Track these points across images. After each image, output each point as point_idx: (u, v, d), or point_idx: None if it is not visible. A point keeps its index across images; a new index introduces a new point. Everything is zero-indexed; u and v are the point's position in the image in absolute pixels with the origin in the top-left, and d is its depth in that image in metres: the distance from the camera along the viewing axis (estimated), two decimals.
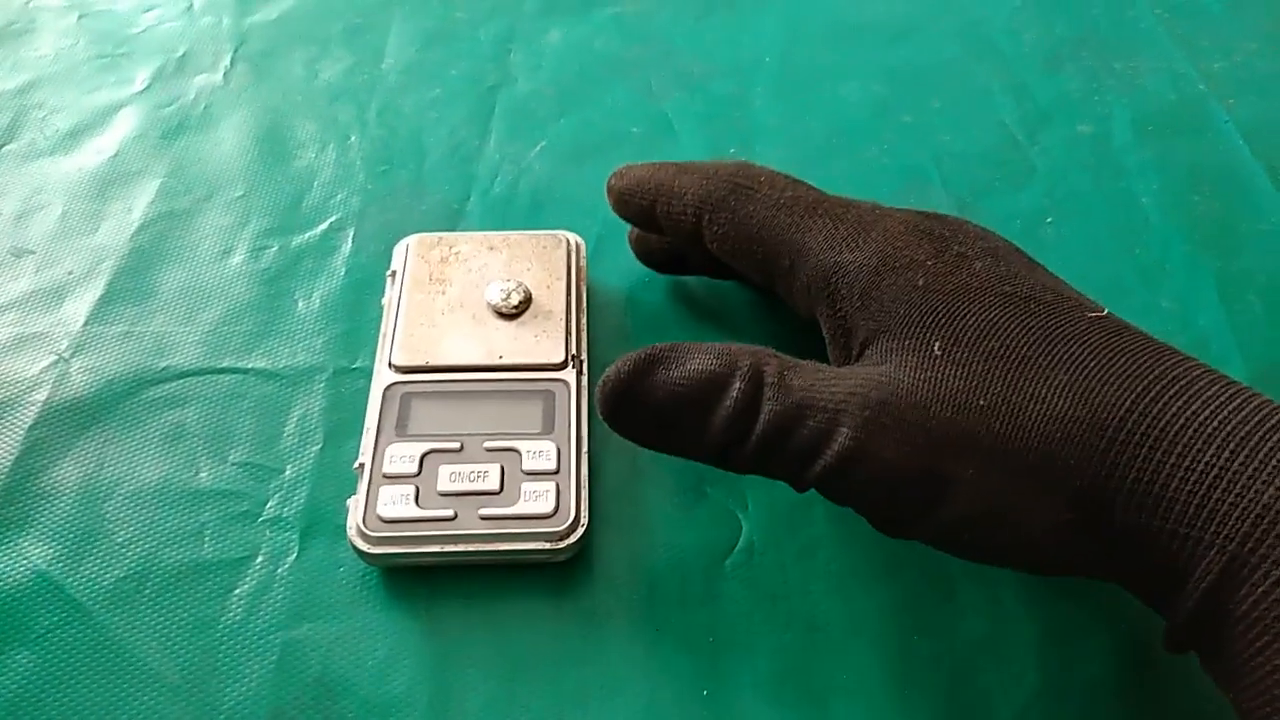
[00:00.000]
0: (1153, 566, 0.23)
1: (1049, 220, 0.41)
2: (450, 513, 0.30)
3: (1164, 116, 0.46)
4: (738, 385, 0.26)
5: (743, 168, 0.32)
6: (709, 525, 0.32)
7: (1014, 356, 0.25)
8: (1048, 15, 0.51)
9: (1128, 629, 0.29)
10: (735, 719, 0.28)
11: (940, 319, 0.26)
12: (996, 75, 0.48)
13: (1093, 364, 0.24)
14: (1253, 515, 0.21)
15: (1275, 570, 0.21)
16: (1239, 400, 0.23)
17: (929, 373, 0.25)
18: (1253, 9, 0.52)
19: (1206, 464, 0.22)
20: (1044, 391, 0.24)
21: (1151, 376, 0.24)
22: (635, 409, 0.27)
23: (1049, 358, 0.25)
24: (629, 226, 0.38)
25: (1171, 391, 0.23)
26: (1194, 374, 0.24)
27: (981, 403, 0.24)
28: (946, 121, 0.46)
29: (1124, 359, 0.24)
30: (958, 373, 0.25)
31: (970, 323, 0.26)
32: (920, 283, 0.27)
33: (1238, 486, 0.22)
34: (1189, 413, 0.23)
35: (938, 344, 0.25)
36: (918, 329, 0.26)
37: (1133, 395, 0.23)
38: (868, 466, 0.25)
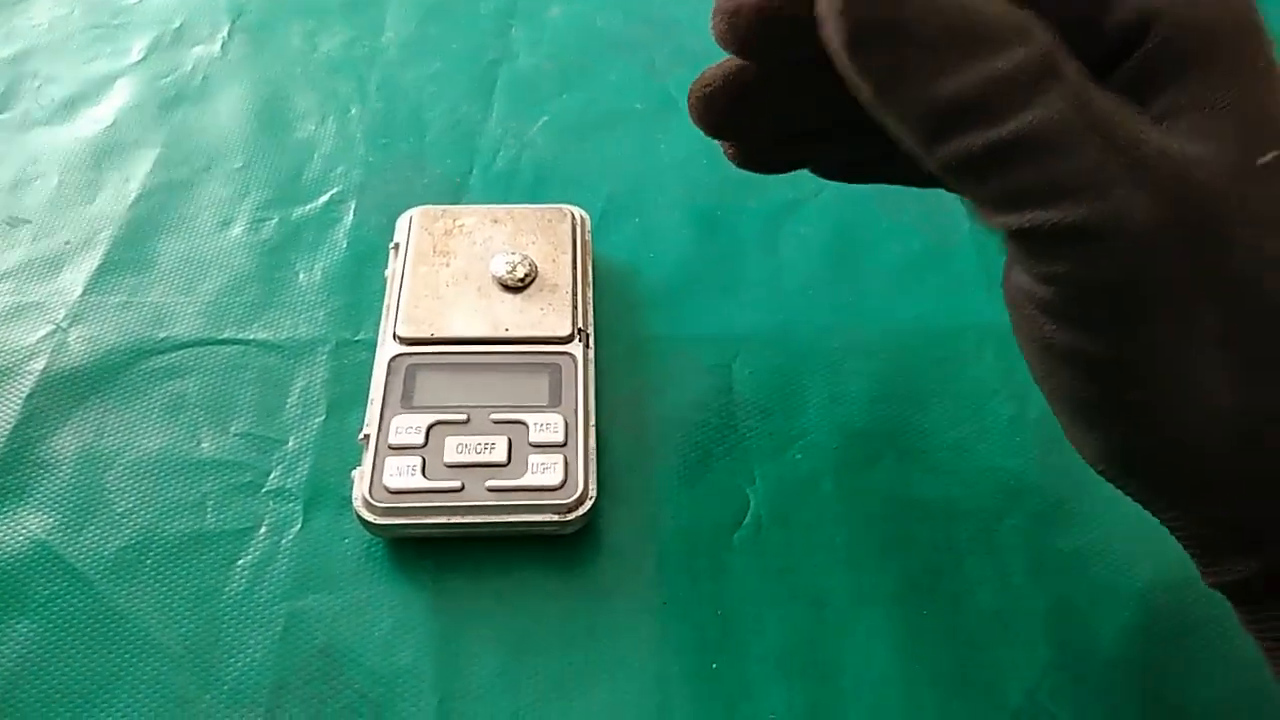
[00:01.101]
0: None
1: None
2: (457, 484, 0.29)
3: None
4: (1024, 52, 0.19)
5: None
6: (716, 499, 0.32)
7: None
8: None
9: (1138, 603, 0.29)
10: (743, 692, 0.28)
11: (1274, 119, 0.20)
12: None
13: None
14: None
15: None
16: None
17: (1247, 184, 0.20)
18: None
19: None
20: None
21: None
22: (885, 32, 0.19)
23: None
24: (629, 203, 0.37)
25: None
26: None
27: (1269, 246, 0.20)
28: None
29: None
30: (1274, 193, 0.20)
31: None
32: (1261, 63, 0.20)
33: None
34: None
35: (1275, 153, 0.20)
36: (1243, 122, 0.20)
37: None
38: (1135, 247, 0.19)
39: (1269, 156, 0.20)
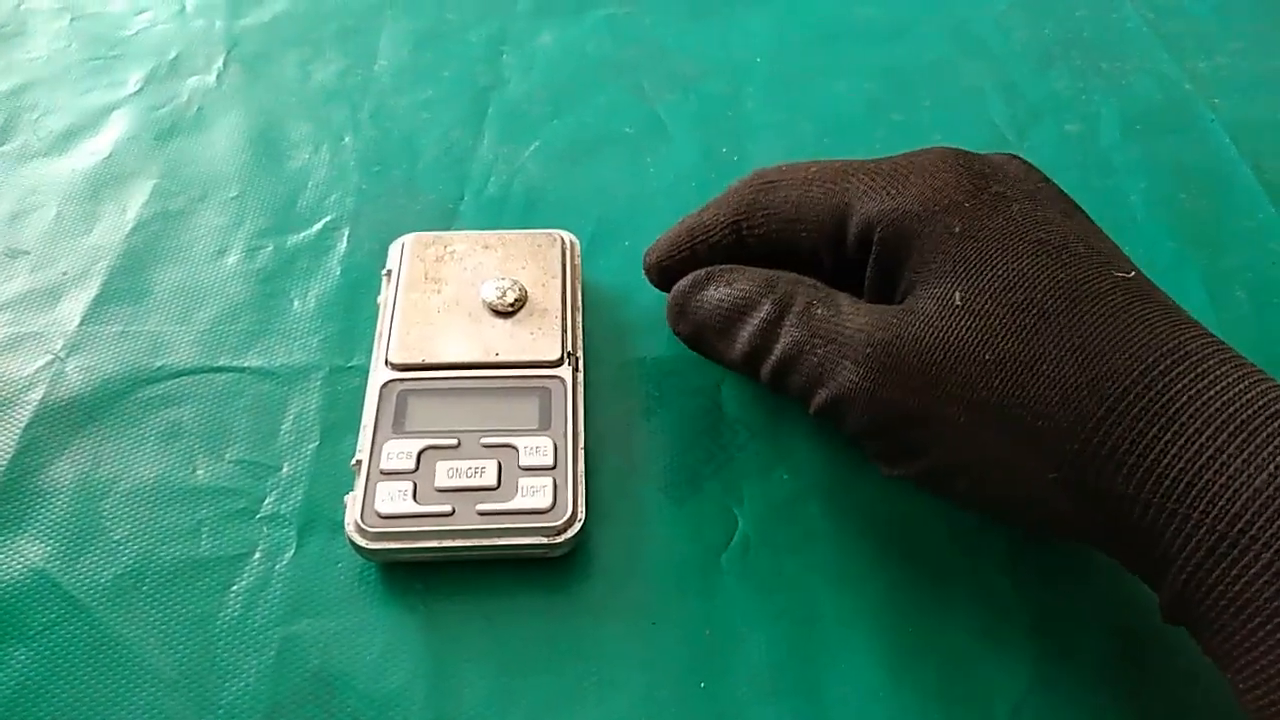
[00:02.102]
0: (1140, 540, 0.24)
1: None
2: (448, 508, 0.30)
3: (1151, 116, 0.47)
4: (766, 308, 0.29)
5: (759, 172, 0.32)
6: (704, 520, 0.32)
7: (1034, 310, 0.25)
8: (1036, 16, 0.52)
9: (1123, 619, 0.30)
10: (732, 711, 0.28)
11: (970, 268, 0.26)
12: (986, 75, 0.48)
13: (1108, 328, 0.24)
14: (1243, 498, 0.22)
15: (1265, 553, 0.21)
16: (1247, 383, 0.23)
17: (943, 320, 0.26)
18: (1237, 10, 0.53)
19: (1202, 444, 0.22)
20: (1054, 352, 0.24)
21: (1164, 349, 0.24)
22: (686, 317, 0.31)
23: (1068, 316, 0.25)
24: (619, 226, 0.39)
25: (1181, 368, 0.23)
26: (1207, 351, 0.24)
27: (988, 356, 0.25)
28: (937, 120, 0.46)
29: (1141, 327, 0.24)
30: (972, 324, 0.25)
31: (999, 272, 0.26)
32: (957, 229, 0.27)
33: (1230, 469, 0.22)
34: (1193, 391, 0.23)
35: (959, 293, 0.26)
36: (946, 277, 0.26)
37: (1141, 366, 0.24)
38: (864, 401, 0.27)
39: (957, 297, 0.26)
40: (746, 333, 0.29)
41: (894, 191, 0.28)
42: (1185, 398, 0.23)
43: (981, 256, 0.26)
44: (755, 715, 0.28)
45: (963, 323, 0.26)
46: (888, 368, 0.26)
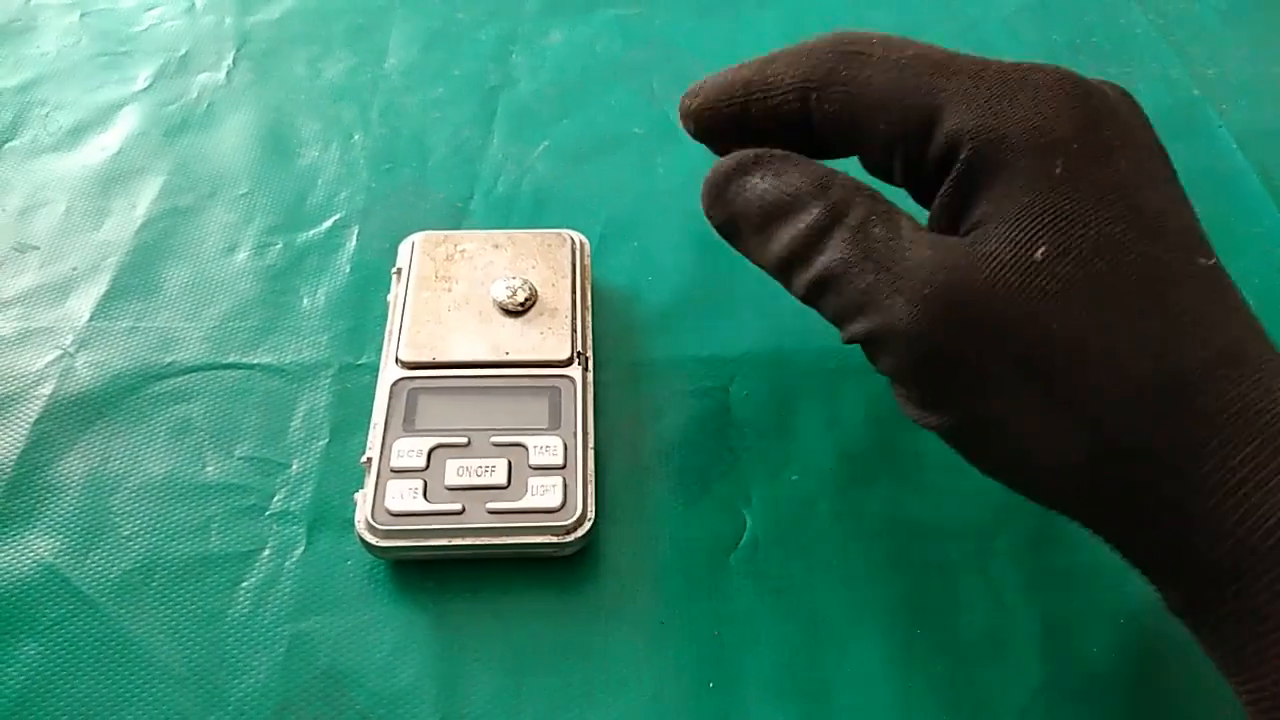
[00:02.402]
0: (1162, 538, 0.23)
1: None
2: (458, 507, 0.30)
3: (1159, 122, 0.46)
4: (816, 212, 0.25)
5: (845, 34, 0.28)
6: (714, 520, 0.32)
7: (1111, 286, 0.23)
8: (1045, 20, 0.52)
9: (1130, 622, 0.30)
10: (740, 712, 0.28)
11: (1060, 221, 0.23)
12: None
13: (1181, 321, 0.23)
14: (1278, 514, 0.21)
15: None
16: None
17: (1018, 275, 0.23)
18: (1246, 17, 0.53)
19: (1246, 455, 0.22)
20: (1124, 337, 0.23)
21: (1228, 352, 0.23)
22: (723, 203, 0.28)
23: (1147, 300, 0.23)
24: (628, 227, 0.38)
25: (1239, 373, 0.22)
26: (1266, 356, 0.23)
27: (1055, 327, 0.23)
28: None
29: (1208, 325, 0.23)
30: (1051, 286, 0.23)
31: (1090, 234, 0.23)
32: (1057, 170, 0.24)
33: (1270, 483, 0.21)
34: (1248, 400, 0.22)
35: (1042, 248, 0.23)
36: (1032, 223, 0.24)
37: (1202, 367, 0.22)
38: (912, 342, 0.24)
39: (1039, 253, 0.23)
40: (788, 236, 0.26)
41: (999, 108, 0.25)
42: (1238, 406, 0.22)
43: (1075, 211, 0.23)
44: (763, 716, 0.28)
45: (1039, 282, 0.23)
46: (947, 312, 0.23)
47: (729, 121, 0.29)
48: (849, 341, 0.26)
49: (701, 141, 0.30)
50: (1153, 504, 0.23)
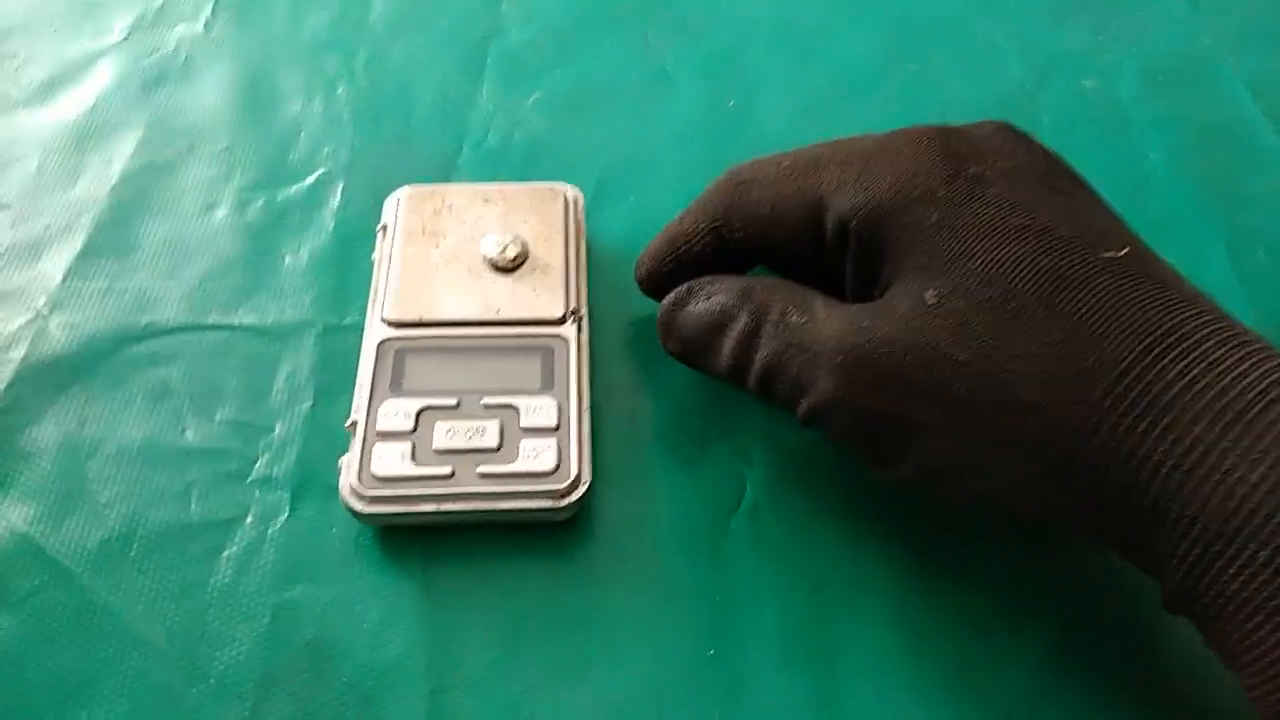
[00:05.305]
0: (1136, 537, 0.23)
1: None
2: (448, 470, 0.29)
3: (1171, 70, 0.45)
4: (743, 319, 0.28)
5: (733, 170, 0.31)
6: (713, 483, 0.31)
7: (1011, 306, 0.24)
8: None
9: (1144, 586, 0.29)
10: (742, 678, 0.27)
11: (945, 261, 0.25)
12: (1002, 27, 0.47)
13: (1094, 318, 0.23)
14: (1240, 493, 0.20)
15: (1263, 551, 0.20)
16: (1247, 365, 0.22)
17: (914, 321, 0.25)
18: None
19: (1196, 436, 0.21)
20: (1033, 348, 0.23)
21: (1156, 335, 0.22)
22: (673, 335, 0.30)
23: (1049, 308, 0.23)
24: (623, 180, 0.38)
25: (1174, 354, 0.22)
26: (1204, 332, 0.22)
27: (963, 357, 0.24)
28: (951, 73, 0.45)
29: (1130, 312, 0.23)
30: (946, 323, 0.24)
31: (974, 266, 0.25)
32: (933, 219, 0.26)
33: (1226, 462, 0.21)
34: (1187, 379, 0.22)
35: (931, 291, 0.25)
36: (921, 272, 0.25)
37: (1130, 356, 0.22)
38: (841, 410, 0.26)
39: (929, 295, 0.25)
40: (727, 347, 0.28)
41: (868, 183, 0.27)
42: (1178, 387, 0.22)
43: (958, 249, 0.25)
44: (766, 684, 0.27)
45: (935, 322, 0.24)
46: (860, 374, 0.25)
47: (670, 276, 0.31)
48: (804, 423, 0.28)
49: (658, 299, 0.32)
50: (1113, 507, 0.23)
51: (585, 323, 0.33)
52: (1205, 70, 0.45)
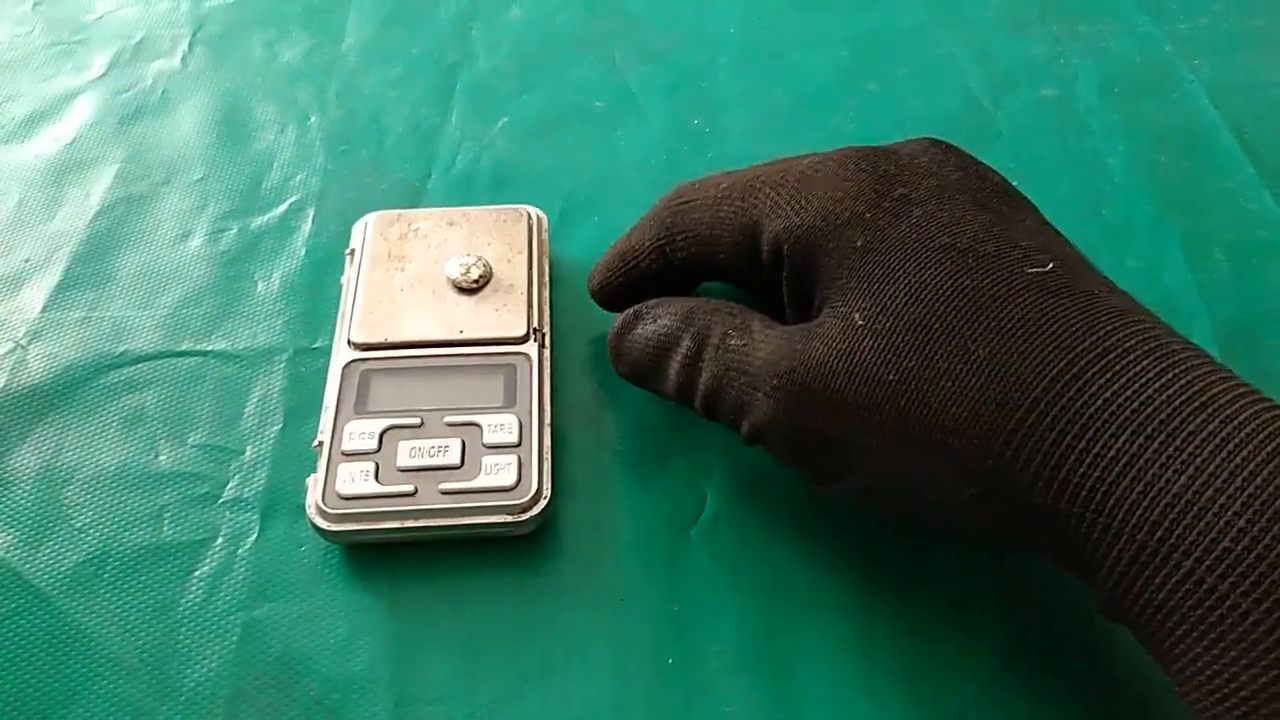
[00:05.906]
0: (1066, 549, 0.23)
1: (1015, 184, 0.41)
2: (410, 488, 0.29)
3: (1129, 78, 0.46)
4: (686, 343, 0.29)
5: (676, 190, 0.32)
6: (674, 495, 0.32)
7: (937, 326, 0.24)
8: None
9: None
10: (701, 687, 0.28)
11: (872, 283, 0.25)
12: (961, 41, 0.48)
13: (1018, 334, 0.23)
14: (1161, 504, 0.21)
15: (1186, 561, 0.20)
16: (1170, 375, 0.22)
17: (844, 344, 0.25)
18: None
19: (1119, 450, 0.21)
20: (958, 367, 0.23)
21: (1080, 349, 0.23)
22: (623, 359, 0.31)
23: (974, 326, 0.24)
24: (590, 201, 0.39)
25: (1096, 368, 0.22)
26: (1128, 344, 0.23)
27: (891, 377, 0.24)
28: (912, 88, 0.45)
29: (1054, 327, 0.23)
30: (874, 344, 0.25)
31: (899, 288, 0.25)
32: (859, 242, 0.26)
33: (1148, 474, 0.21)
34: (1109, 393, 0.22)
35: (859, 313, 0.25)
36: (850, 294, 0.26)
37: (1053, 371, 0.23)
38: (778, 431, 0.27)
39: (857, 317, 0.25)
40: (673, 370, 0.29)
41: (798, 206, 0.28)
42: (1100, 401, 0.22)
43: (883, 271, 0.25)
44: (725, 691, 0.28)
45: (864, 344, 0.25)
46: (794, 395, 0.26)
47: (621, 290, 0.33)
48: (747, 443, 0.28)
49: (611, 310, 0.33)
50: (1042, 521, 0.23)
51: (548, 341, 0.34)
52: (1164, 77, 0.46)
